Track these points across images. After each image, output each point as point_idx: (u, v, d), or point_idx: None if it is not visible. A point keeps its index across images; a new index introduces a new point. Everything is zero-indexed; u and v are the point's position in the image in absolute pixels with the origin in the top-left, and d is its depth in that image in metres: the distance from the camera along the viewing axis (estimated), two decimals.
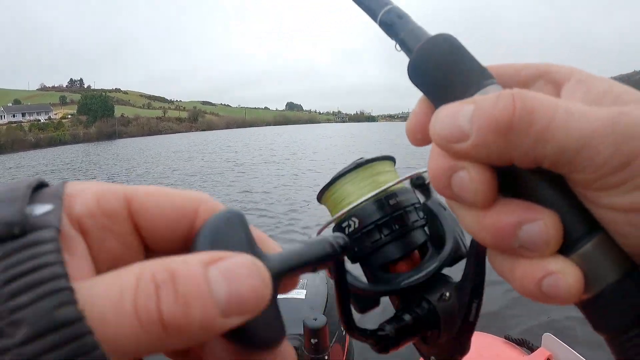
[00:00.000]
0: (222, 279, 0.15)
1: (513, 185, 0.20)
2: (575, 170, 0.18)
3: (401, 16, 0.25)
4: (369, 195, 0.32)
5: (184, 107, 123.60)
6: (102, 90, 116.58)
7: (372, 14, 0.27)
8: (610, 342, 0.20)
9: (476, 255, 0.28)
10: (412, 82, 0.24)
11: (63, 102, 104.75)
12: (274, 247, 0.20)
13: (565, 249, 0.19)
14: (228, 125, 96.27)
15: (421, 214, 0.34)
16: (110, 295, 0.14)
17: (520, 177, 0.20)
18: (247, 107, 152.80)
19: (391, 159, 0.35)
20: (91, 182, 0.19)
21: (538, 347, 1.59)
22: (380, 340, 0.30)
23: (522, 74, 0.24)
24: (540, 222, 0.19)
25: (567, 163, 0.18)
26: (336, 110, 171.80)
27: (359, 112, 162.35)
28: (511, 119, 0.18)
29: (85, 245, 0.17)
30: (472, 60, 0.22)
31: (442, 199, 0.29)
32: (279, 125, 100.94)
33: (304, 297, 1.81)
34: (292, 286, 0.21)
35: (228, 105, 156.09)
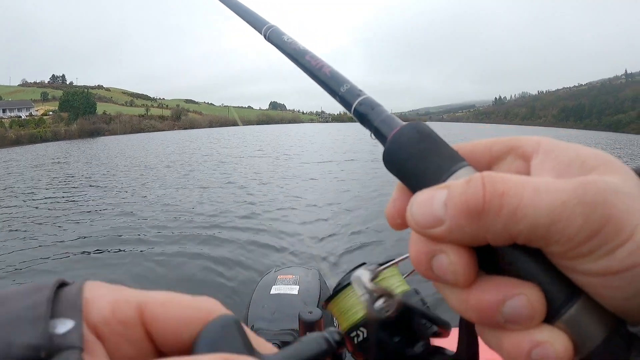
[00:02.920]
0: None
1: (492, 262, 0.21)
2: (549, 243, 0.19)
3: (373, 107, 0.26)
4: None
5: (167, 105, 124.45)
6: (85, 87, 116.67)
7: (347, 105, 0.28)
8: None
9: (467, 330, 0.29)
10: (387, 170, 0.25)
11: (45, 98, 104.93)
12: (270, 348, 0.21)
13: (549, 317, 0.20)
14: (211, 124, 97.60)
15: (429, 318, 0.35)
16: None
17: (498, 254, 0.21)
18: (230, 106, 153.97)
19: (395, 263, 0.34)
20: (107, 288, 0.20)
21: None
22: None
23: (492, 150, 0.24)
24: (523, 297, 0.19)
25: (541, 238, 0.19)
26: (319, 110, 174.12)
27: (342, 113, 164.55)
28: (482, 203, 0.19)
29: (104, 350, 0.18)
30: (443, 145, 0.23)
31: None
32: (262, 125, 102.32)
33: (296, 293, 1.81)
34: None
35: (212, 103, 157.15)
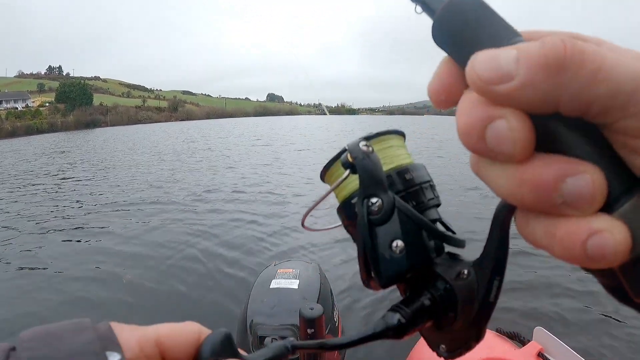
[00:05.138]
0: None
1: (548, 139, 0.19)
2: (625, 115, 0.17)
3: None
4: (386, 168, 0.30)
5: (164, 97, 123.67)
6: (81, 78, 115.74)
7: None
8: None
9: (501, 226, 0.25)
10: (435, 43, 0.23)
11: (41, 89, 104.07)
12: (245, 355, 0.28)
13: (608, 206, 0.18)
14: (208, 116, 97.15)
15: (436, 193, 0.31)
16: None
17: (557, 128, 0.19)
18: (228, 98, 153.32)
19: (401, 133, 0.33)
20: (131, 328, 0.26)
21: (529, 341, 1.59)
22: (396, 325, 0.28)
23: None
24: (586, 175, 0.18)
25: (619, 107, 0.17)
26: (317, 103, 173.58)
27: (339, 105, 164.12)
28: (563, 57, 0.17)
29: None
30: (500, 18, 0.22)
31: None
32: (259, 117, 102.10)
33: (296, 287, 1.79)
34: None
35: (209, 95, 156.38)
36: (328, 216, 0.32)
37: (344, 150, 0.30)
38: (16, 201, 8.82)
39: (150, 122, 76.27)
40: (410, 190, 0.30)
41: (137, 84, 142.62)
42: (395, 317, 0.28)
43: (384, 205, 0.28)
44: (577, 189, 0.18)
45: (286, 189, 8.67)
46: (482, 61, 0.19)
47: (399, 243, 0.28)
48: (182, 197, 8.22)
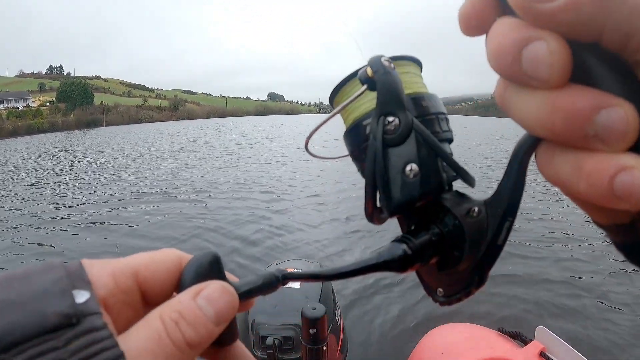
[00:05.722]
0: (207, 303, 0.22)
1: (584, 71, 0.18)
2: None
3: None
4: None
5: (165, 96, 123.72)
6: (82, 77, 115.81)
7: None
8: None
9: (519, 163, 0.23)
10: None
11: (42, 89, 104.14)
12: (233, 278, 0.26)
13: (637, 148, 0.18)
14: (209, 115, 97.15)
15: (449, 126, 0.29)
16: (151, 337, 0.20)
17: (593, 61, 0.18)
18: (228, 97, 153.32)
19: (417, 61, 0.30)
20: (103, 262, 0.23)
21: (531, 340, 1.58)
22: (401, 255, 0.26)
23: None
24: (621, 110, 0.17)
25: None
26: (318, 102, 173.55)
27: None
28: None
29: (111, 319, 0.21)
30: None
31: None
32: (260, 116, 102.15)
33: (298, 287, 1.78)
34: (249, 306, 0.27)
35: (210, 94, 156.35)
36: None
37: (357, 71, 0.28)
38: (26, 198, 8.96)
39: (151, 122, 76.34)
40: (426, 118, 0.28)
41: (138, 83, 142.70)
42: (401, 247, 0.26)
43: (401, 125, 0.26)
44: (611, 122, 0.17)
45: (287, 188, 8.69)
46: None
47: (413, 167, 0.26)
48: (182, 197, 8.22)
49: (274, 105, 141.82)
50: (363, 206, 0.28)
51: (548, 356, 1.54)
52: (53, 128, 55.72)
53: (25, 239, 5.93)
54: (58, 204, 8.18)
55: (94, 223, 6.69)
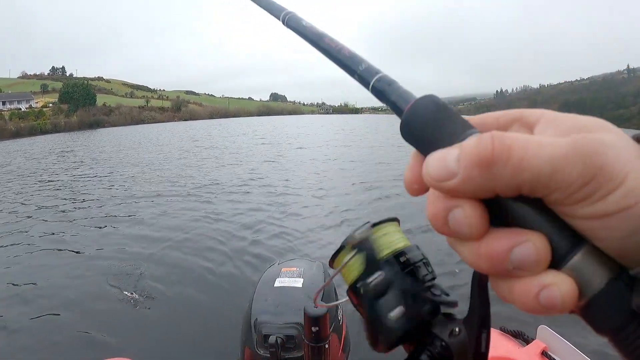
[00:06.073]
0: None
1: (500, 216, 0.23)
2: (551, 191, 0.21)
3: (390, 83, 0.29)
4: (384, 254, 0.34)
5: (167, 97, 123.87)
6: (85, 78, 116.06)
7: (365, 83, 0.31)
8: (612, 342, 0.21)
9: (479, 286, 0.30)
10: (404, 139, 0.27)
11: (44, 90, 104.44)
12: None
13: (556, 263, 0.22)
14: (212, 115, 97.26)
15: (430, 269, 0.35)
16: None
17: (505, 206, 0.23)
18: (231, 97, 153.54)
19: (396, 220, 0.38)
20: None
21: (533, 339, 1.60)
22: None
23: (500, 121, 0.27)
24: (529, 244, 0.21)
25: (544, 186, 0.21)
26: (320, 102, 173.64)
27: (343, 104, 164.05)
28: (491, 155, 0.21)
29: None
30: (456, 115, 0.25)
31: None
32: (262, 116, 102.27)
33: (300, 286, 1.80)
34: None
35: (212, 95, 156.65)
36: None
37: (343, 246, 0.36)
38: (34, 195, 9.13)
39: (154, 122, 76.44)
40: (407, 271, 0.34)
41: (140, 84, 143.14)
42: None
43: (383, 280, 0.33)
44: (523, 256, 0.21)
45: (289, 188, 8.72)
46: (433, 162, 0.23)
47: (396, 311, 0.32)
48: (186, 196, 8.26)
49: (276, 106, 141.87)
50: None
51: (550, 355, 1.54)
52: (55, 129, 55.90)
53: (38, 233, 6.10)
54: (67, 201, 8.39)
55: (105, 216, 6.82)
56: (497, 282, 0.24)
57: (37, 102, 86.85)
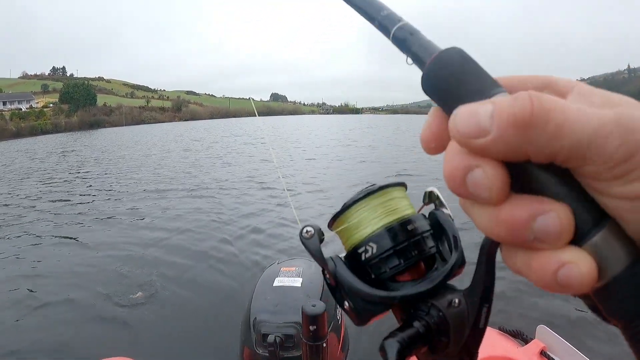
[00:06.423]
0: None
1: (523, 182, 0.21)
2: (585, 163, 0.20)
3: (413, 32, 0.27)
4: (390, 219, 0.32)
5: (168, 97, 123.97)
6: (85, 78, 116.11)
7: (385, 31, 0.28)
8: (623, 329, 0.21)
9: (487, 258, 0.28)
10: (425, 93, 0.25)
11: (45, 90, 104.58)
12: None
13: (577, 239, 0.20)
14: (212, 116, 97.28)
15: (436, 242, 0.34)
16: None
17: (530, 173, 0.21)
18: (231, 98, 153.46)
19: (403, 185, 0.36)
20: None
21: (532, 339, 1.60)
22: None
23: (528, 84, 0.25)
24: (554, 214, 0.20)
25: (579, 157, 0.19)
26: (320, 102, 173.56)
27: (343, 104, 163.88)
28: (530, 116, 0.19)
29: None
30: (482, 71, 0.24)
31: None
32: (262, 116, 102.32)
33: (299, 285, 1.79)
34: None
35: (212, 95, 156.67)
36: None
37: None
38: (39, 194, 9.26)
39: (154, 123, 76.48)
40: (414, 241, 0.33)
41: (140, 84, 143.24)
42: (394, 344, 0.29)
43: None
44: (546, 227, 0.20)
45: (290, 188, 8.66)
46: (463, 116, 0.21)
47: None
48: (186, 196, 8.26)
49: (277, 106, 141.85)
50: None
51: (549, 355, 1.54)
52: (56, 129, 55.96)
53: (44, 230, 6.19)
54: (71, 199, 8.46)
55: (109, 217, 6.86)
56: (511, 253, 0.23)
57: (37, 102, 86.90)
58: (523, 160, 0.21)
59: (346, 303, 0.32)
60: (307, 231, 0.34)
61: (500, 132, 0.20)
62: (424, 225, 0.34)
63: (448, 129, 0.22)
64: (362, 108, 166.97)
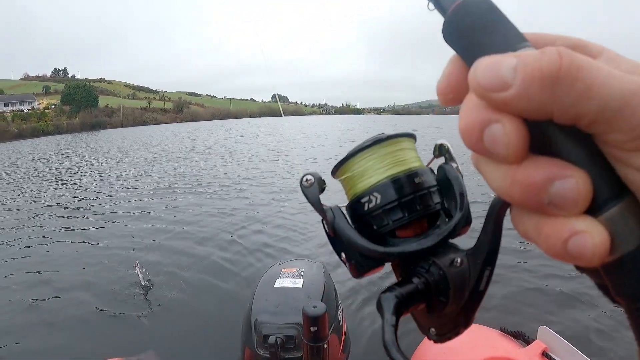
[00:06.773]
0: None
1: (543, 143, 0.20)
2: (611, 129, 0.19)
3: None
4: (396, 170, 0.31)
5: (169, 98, 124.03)
6: (87, 80, 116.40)
7: None
8: (630, 310, 0.20)
9: (495, 219, 0.27)
10: (445, 41, 0.24)
11: (47, 91, 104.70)
12: None
13: (592, 210, 0.19)
14: (214, 117, 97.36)
15: (442, 198, 0.33)
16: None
17: (551, 134, 0.20)
18: (232, 98, 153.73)
19: (412, 136, 0.34)
20: None
21: (534, 340, 1.59)
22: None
23: (557, 42, 0.24)
24: (572, 180, 0.19)
25: (606, 122, 0.18)
26: (322, 103, 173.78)
27: (345, 105, 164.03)
28: (558, 72, 0.18)
29: None
30: (509, 22, 0.22)
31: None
32: (264, 117, 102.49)
33: (300, 286, 1.79)
34: None
35: (214, 96, 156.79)
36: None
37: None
38: (42, 194, 9.34)
39: (156, 124, 76.58)
40: (419, 194, 0.32)
41: (142, 85, 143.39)
42: (391, 298, 0.29)
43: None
44: (563, 192, 0.19)
45: (290, 188, 8.71)
46: (484, 68, 0.20)
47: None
48: (187, 196, 8.28)
49: (278, 107, 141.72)
50: None
51: (550, 356, 1.54)
52: (58, 130, 55.99)
53: (44, 230, 6.26)
54: (77, 198, 8.58)
55: (114, 212, 6.93)
56: (522, 216, 0.22)
57: (39, 104, 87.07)
58: (545, 119, 0.20)
59: (343, 254, 0.32)
60: (307, 179, 0.32)
61: (524, 87, 0.19)
62: (431, 180, 0.32)
63: (467, 80, 0.21)
64: (364, 109, 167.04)
